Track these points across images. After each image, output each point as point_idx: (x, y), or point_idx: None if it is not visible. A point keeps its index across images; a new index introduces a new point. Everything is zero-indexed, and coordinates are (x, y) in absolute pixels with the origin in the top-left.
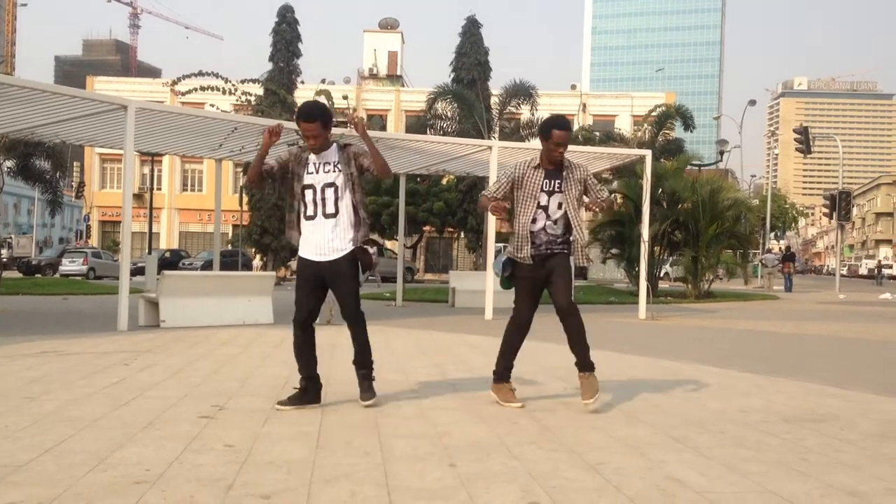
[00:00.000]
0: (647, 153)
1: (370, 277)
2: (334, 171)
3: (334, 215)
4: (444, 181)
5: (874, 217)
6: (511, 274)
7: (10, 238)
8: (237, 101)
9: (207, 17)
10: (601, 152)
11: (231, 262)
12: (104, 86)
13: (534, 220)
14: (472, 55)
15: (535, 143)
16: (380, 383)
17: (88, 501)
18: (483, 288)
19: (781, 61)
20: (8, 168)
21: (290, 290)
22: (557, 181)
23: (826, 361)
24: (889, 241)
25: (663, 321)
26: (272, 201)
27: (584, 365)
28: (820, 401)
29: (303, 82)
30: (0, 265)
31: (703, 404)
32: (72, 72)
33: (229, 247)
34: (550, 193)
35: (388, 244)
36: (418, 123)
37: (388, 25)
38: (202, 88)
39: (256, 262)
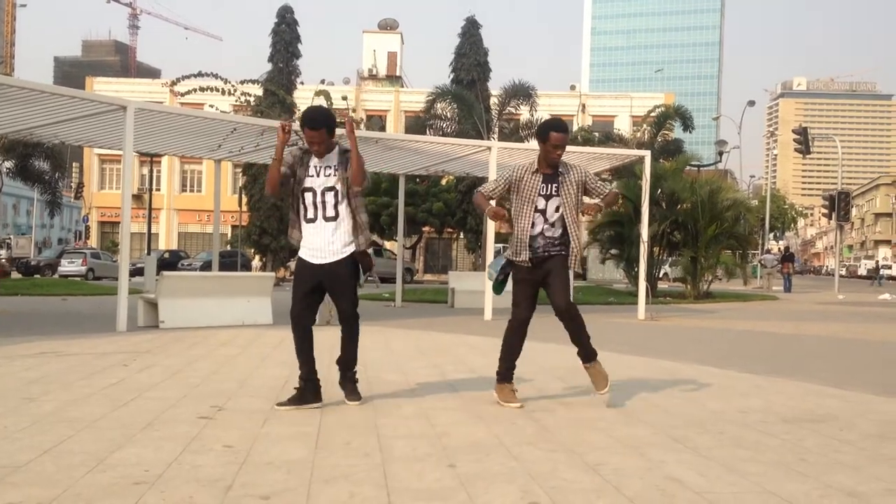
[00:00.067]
0: (647, 154)
1: (369, 279)
2: (334, 175)
3: (334, 218)
4: (444, 182)
5: (873, 217)
6: (504, 279)
7: (10, 239)
8: (236, 101)
9: (207, 18)
10: (600, 153)
11: (230, 262)
12: (103, 86)
13: (532, 225)
14: (471, 56)
15: (535, 144)
16: (379, 384)
17: (87, 502)
18: (482, 288)
19: (780, 62)
20: (7, 169)
21: (290, 290)
22: (554, 185)
23: (825, 362)
24: (888, 242)
25: (662, 322)
26: (271, 202)
27: (588, 355)
28: (819, 401)
29: (302, 83)
30: (2, 272)
31: (703, 405)
32: (71, 72)
33: (228, 247)
34: (548, 197)
35: (388, 245)
36: (417, 124)
37: (388, 26)
38: (201, 89)
39: (255, 262)
